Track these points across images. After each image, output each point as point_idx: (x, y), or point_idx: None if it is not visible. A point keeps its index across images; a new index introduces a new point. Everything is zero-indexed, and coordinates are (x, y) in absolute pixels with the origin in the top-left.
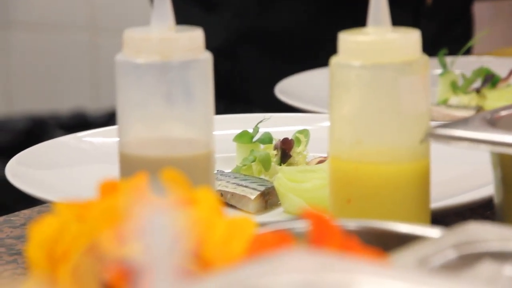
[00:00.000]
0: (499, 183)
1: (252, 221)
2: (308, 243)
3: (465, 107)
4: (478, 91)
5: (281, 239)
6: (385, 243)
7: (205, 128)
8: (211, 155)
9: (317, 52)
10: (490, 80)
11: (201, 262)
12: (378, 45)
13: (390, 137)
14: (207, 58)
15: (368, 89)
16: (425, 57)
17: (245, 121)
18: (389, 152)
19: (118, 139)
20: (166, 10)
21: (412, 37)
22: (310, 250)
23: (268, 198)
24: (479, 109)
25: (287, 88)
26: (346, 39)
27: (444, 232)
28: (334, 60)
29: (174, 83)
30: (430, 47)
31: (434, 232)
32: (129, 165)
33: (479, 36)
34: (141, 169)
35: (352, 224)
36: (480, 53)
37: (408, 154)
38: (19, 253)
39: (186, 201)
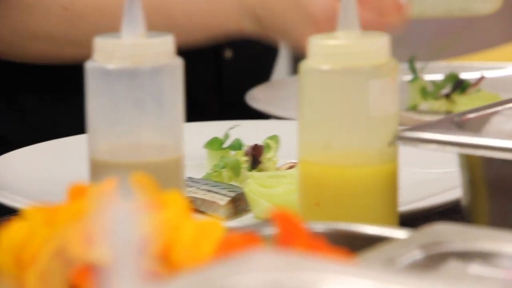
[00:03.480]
0: (467, 185)
1: (221, 223)
2: (275, 244)
3: (435, 112)
4: (447, 96)
5: (249, 240)
6: (353, 245)
7: (175, 134)
8: (181, 160)
9: None
10: (460, 85)
11: (170, 264)
12: (347, 49)
13: (358, 140)
14: (178, 63)
15: (337, 93)
16: (394, 61)
17: (215, 128)
18: (357, 155)
19: (88, 145)
20: (136, 17)
21: (381, 41)
22: (278, 250)
23: (238, 204)
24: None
25: (258, 95)
26: (316, 43)
27: (410, 234)
28: (303, 64)
29: (144, 89)
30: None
31: (401, 233)
32: (100, 171)
33: (449, 42)
34: (112, 174)
35: (320, 226)
36: (450, 59)
37: (376, 157)
38: None
39: (154, 204)
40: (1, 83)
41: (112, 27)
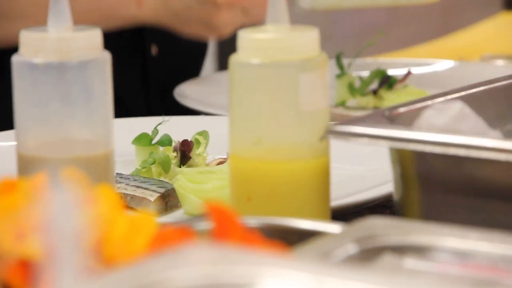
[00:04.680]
0: (398, 179)
1: (153, 218)
2: (210, 238)
3: (363, 108)
4: (375, 92)
5: (183, 235)
6: (286, 239)
7: (104, 129)
8: (111, 155)
9: None
10: (387, 81)
11: (103, 258)
12: (277, 43)
13: (289, 134)
14: (106, 57)
15: (267, 87)
16: (324, 55)
17: (143, 123)
18: (289, 149)
19: (16, 140)
20: (63, 10)
21: (310, 35)
22: (212, 244)
23: (168, 200)
24: None
25: (186, 91)
26: (245, 36)
27: (344, 228)
28: (233, 58)
29: (72, 83)
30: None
31: (334, 227)
32: (27, 167)
33: (376, 38)
34: (40, 170)
35: (253, 221)
36: (376, 55)
37: (308, 151)
38: None
39: (86, 199)
40: None
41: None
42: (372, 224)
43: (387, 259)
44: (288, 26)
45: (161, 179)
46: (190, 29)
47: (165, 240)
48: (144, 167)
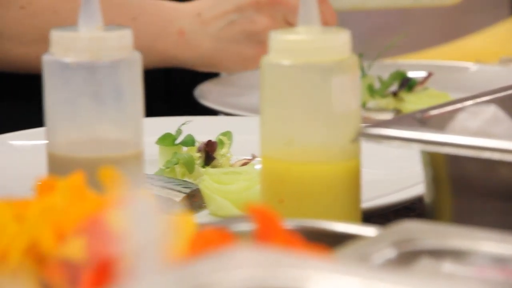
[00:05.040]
0: (430, 183)
1: (192, 219)
2: (252, 240)
3: (383, 110)
4: (395, 94)
5: (222, 236)
6: (321, 242)
7: (135, 128)
8: (141, 155)
9: None
10: (407, 83)
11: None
12: (309, 44)
13: (321, 136)
14: (136, 57)
15: (299, 89)
16: (355, 57)
17: (167, 123)
18: (320, 151)
19: (46, 139)
20: (94, 10)
21: (342, 37)
22: (258, 247)
23: (193, 201)
24: (397, 112)
25: (205, 92)
26: (277, 38)
27: (381, 231)
28: (264, 59)
29: (103, 83)
30: None
31: (370, 230)
32: (58, 166)
33: (396, 39)
34: (70, 169)
35: (289, 223)
36: (396, 57)
37: (339, 153)
38: None
39: (122, 200)
40: None
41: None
42: (409, 227)
43: (425, 263)
44: (319, 27)
45: (185, 179)
46: (228, 62)
47: (204, 241)
48: (168, 167)
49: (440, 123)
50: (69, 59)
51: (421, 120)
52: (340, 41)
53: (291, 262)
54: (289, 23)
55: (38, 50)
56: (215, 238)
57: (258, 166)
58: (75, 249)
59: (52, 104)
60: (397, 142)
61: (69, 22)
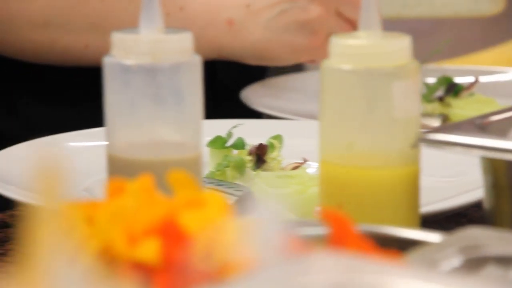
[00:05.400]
0: (490, 189)
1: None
2: (327, 245)
3: (429, 115)
4: (441, 99)
5: (296, 241)
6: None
7: (194, 131)
8: (200, 158)
9: None
10: (453, 89)
11: (215, 264)
12: (370, 49)
13: (381, 141)
14: (197, 60)
15: (359, 93)
16: (416, 62)
17: (214, 126)
18: (380, 156)
19: (106, 141)
20: (155, 12)
21: (403, 42)
22: (337, 252)
23: (245, 204)
24: (444, 117)
25: (252, 94)
26: (338, 42)
27: (446, 237)
28: (325, 63)
29: (163, 85)
30: None
31: (435, 237)
32: (117, 168)
33: (442, 45)
34: (130, 171)
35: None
36: (442, 61)
37: (399, 158)
38: None
39: (193, 202)
40: None
41: (113, 15)
42: (474, 234)
43: (492, 270)
44: (380, 32)
45: (235, 182)
46: (279, 53)
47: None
48: (219, 170)
49: (500, 129)
50: (130, 61)
51: (481, 126)
52: (401, 46)
53: (370, 267)
54: (340, 15)
55: (86, 38)
56: (289, 242)
57: (310, 170)
58: (149, 251)
59: (112, 106)
60: (458, 148)
61: (115, 10)
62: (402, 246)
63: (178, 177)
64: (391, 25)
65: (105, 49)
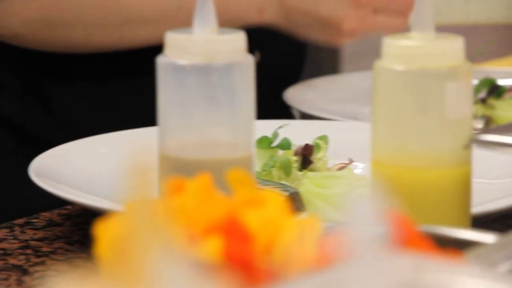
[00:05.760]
0: None
1: (319, 221)
2: (391, 245)
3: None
4: (483, 101)
5: (353, 240)
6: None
7: (247, 131)
8: (251, 158)
9: None
10: (496, 90)
11: (275, 264)
12: (423, 50)
13: (433, 142)
14: (249, 60)
15: (412, 94)
16: (469, 63)
17: (261, 126)
18: (432, 157)
19: (158, 140)
20: (208, 12)
21: (456, 43)
22: (400, 252)
23: (292, 204)
24: (487, 119)
25: (294, 95)
26: (390, 43)
27: (501, 238)
28: (377, 64)
29: (217, 85)
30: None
31: (489, 237)
32: (169, 167)
33: (484, 47)
34: (181, 171)
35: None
36: (483, 63)
37: (451, 159)
38: (46, 254)
39: (253, 201)
40: (29, 78)
41: (145, 13)
42: None
43: None
44: (433, 33)
45: (282, 182)
46: (311, 34)
47: (331, 244)
48: (265, 170)
49: None
50: (183, 61)
51: None
52: (454, 47)
53: (435, 267)
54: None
55: (120, 31)
56: (345, 241)
57: (357, 171)
58: (211, 249)
59: (165, 106)
60: (511, 149)
61: (146, 4)
62: (457, 246)
63: (236, 176)
64: None
65: (141, 36)
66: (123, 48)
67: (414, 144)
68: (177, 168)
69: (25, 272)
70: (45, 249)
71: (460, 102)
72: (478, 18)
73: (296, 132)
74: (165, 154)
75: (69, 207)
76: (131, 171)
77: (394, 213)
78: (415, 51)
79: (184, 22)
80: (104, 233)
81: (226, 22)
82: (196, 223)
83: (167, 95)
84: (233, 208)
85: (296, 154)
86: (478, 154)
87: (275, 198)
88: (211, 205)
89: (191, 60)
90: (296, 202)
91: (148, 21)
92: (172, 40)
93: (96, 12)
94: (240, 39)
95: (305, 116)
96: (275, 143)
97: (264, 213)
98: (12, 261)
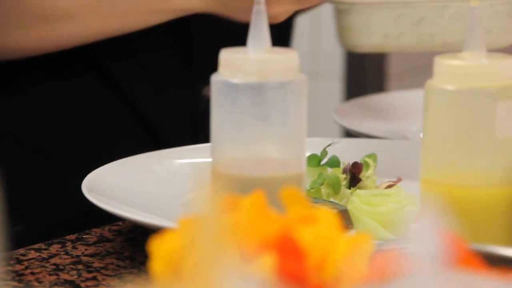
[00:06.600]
0: None
1: (370, 238)
2: (443, 263)
3: None
4: None
5: (402, 257)
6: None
7: (298, 149)
8: (303, 176)
9: None
10: None
11: (327, 280)
12: (474, 70)
13: (484, 161)
14: (302, 79)
15: (463, 113)
16: None
17: (310, 144)
18: (483, 176)
19: (211, 157)
20: (262, 32)
21: (507, 62)
22: (451, 269)
23: (341, 221)
24: None
25: (343, 113)
26: (442, 63)
27: None
28: (429, 83)
29: (270, 104)
30: None
31: None
32: (221, 184)
33: None
34: (233, 188)
35: None
36: None
37: (502, 178)
38: (97, 270)
39: (306, 218)
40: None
41: (58, 9)
42: None
43: None
44: (484, 53)
45: (330, 200)
46: (240, 17)
47: (382, 261)
48: (313, 188)
49: None
50: (237, 80)
51: None
52: (505, 66)
53: (486, 285)
54: None
55: (36, 31)
56: (396, 258)
57: (405, 189)
58: (265, 266)
59: (218, 123)
60: None
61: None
62: (507, 264)
63: (289, 193)
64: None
65: (62, 35)
66: (47, 49)
67: (464, 163)
68: (229, 185)
69: (77, 287)
70: (96, 264)
71: (511, 122)
72: (431, 45)
73: (345, 150)
74: (217, 171)
75: (119, 223)
76: (193, 188)
77: (445, 231)
78: (466, 71)
79: (105, 16)
80: (159, 249)
81: (151, 11)
82: (250, 240)
83: (220, 113)
84: (286, 225)
85: (344, 172)
86: None
87: (327, 215)
88: (264, 222)
89: (244, 78)
90: (344, 219)
91: (64, 17)
92: (226, 59)
93: (6, 12)
94: (293, 58)
95: (352, 134)
96: (324, 161)
97: (317, 230)
98: (64, 276)
